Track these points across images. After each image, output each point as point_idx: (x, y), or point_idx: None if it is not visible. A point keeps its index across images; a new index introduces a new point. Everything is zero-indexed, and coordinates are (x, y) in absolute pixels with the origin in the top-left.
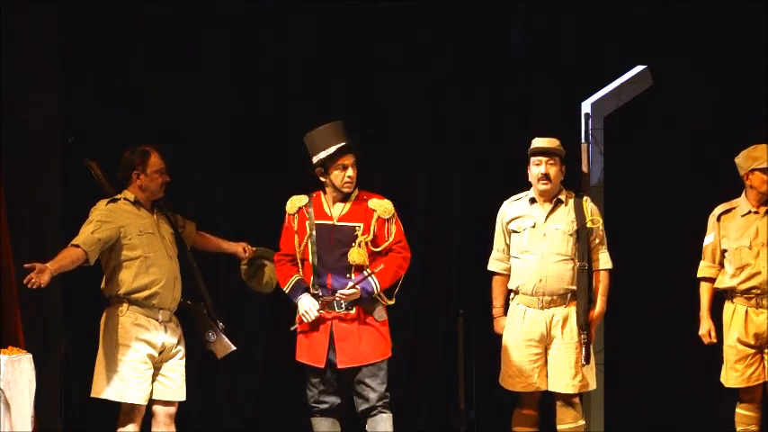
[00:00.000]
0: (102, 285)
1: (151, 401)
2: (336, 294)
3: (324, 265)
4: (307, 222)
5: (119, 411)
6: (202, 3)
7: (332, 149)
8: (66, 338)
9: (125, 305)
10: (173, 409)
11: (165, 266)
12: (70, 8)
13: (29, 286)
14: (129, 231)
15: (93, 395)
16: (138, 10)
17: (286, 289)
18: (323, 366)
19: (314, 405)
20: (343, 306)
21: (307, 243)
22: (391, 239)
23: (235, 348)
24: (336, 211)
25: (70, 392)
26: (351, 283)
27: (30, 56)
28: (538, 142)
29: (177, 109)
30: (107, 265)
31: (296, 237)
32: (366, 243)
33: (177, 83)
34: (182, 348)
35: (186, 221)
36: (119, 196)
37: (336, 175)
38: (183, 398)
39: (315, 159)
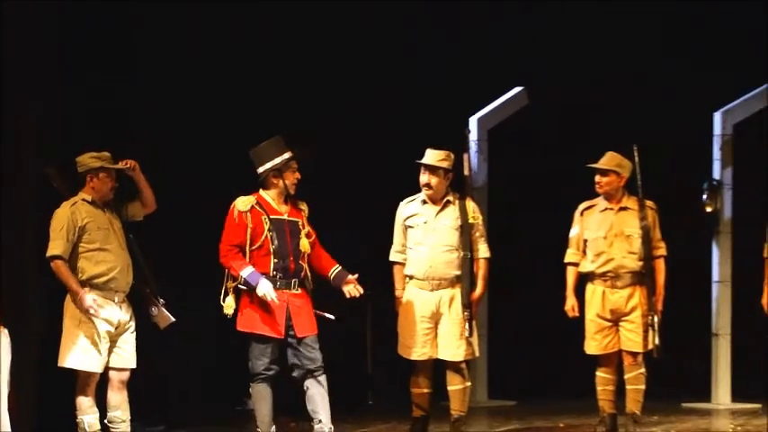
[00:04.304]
0: None
1: (106, 369)
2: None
3: (285, 252)
4: (263, 217)
5: (76, 379)
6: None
7: (286, 156)
8: (41, 318)
9: (86, 288)
10: (125, 375)
11: (120, 256)
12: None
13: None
14: (89, 227)
15: (59, 365)
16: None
17: (244, 273)
18: (283, 336)
19: (263, 372)
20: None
21: (267, 235)
22: (314, 237)
23: (174, 320)
24: (284, 209)
25: (45, 367)
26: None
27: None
28: (425, 156)
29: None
30: (71, 256)
31: (249, 230)
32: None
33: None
34: (132, 323)
35: (129, 204)
36: (76, 198)
37: (289, 177)
38: (133, 365)
39: (269, 165)
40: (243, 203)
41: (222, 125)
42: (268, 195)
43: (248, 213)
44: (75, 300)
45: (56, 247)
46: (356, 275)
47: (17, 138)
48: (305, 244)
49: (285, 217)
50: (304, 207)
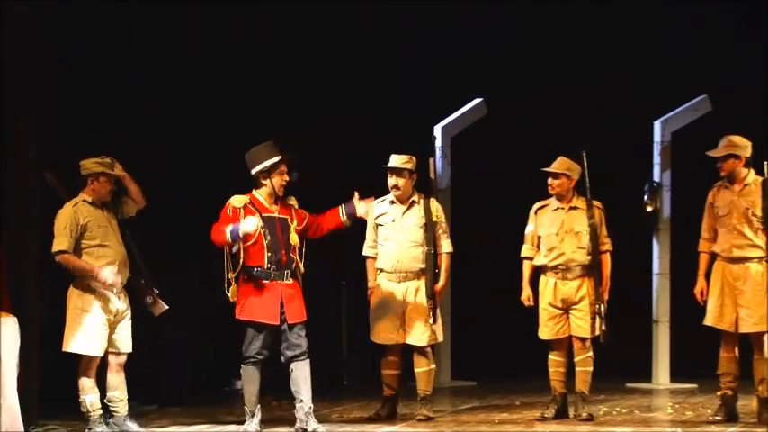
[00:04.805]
0: None
1: (106, 353)
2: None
3: (277, 246)
4: (256, 215)
5: (78, 362)
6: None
7: (275, 159)
8: (41, 311)
9: (89, 280)
10: (123, 358)
11: (118, 251)
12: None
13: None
14: (90, 226)
15: (63, 350)
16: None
17: (228, 229)
18: (278, 323)
19: (256, 356)
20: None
21: (260, 231)
22: (308, 217)
23: (168, 307)
24: (274, 207)
25: (47, 353)
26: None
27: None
28: (390, 161)
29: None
30: (74, 251)
31: None
32: (295, 229)
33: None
34: (129, 312)
35: (123, 199)
36: (77, 199)
37: (277, 180)
38: (130, 349)
39: (260, 167)
40: (237, 201)
41: (221, 125)
42: (260, 195)
43: (242, 210)
44: (93, 278)
45: (61, 243)
46: (355, 195)
47: (17, 138)
48: (294, 238)
49: (276, 215)
50: (293, 202)
